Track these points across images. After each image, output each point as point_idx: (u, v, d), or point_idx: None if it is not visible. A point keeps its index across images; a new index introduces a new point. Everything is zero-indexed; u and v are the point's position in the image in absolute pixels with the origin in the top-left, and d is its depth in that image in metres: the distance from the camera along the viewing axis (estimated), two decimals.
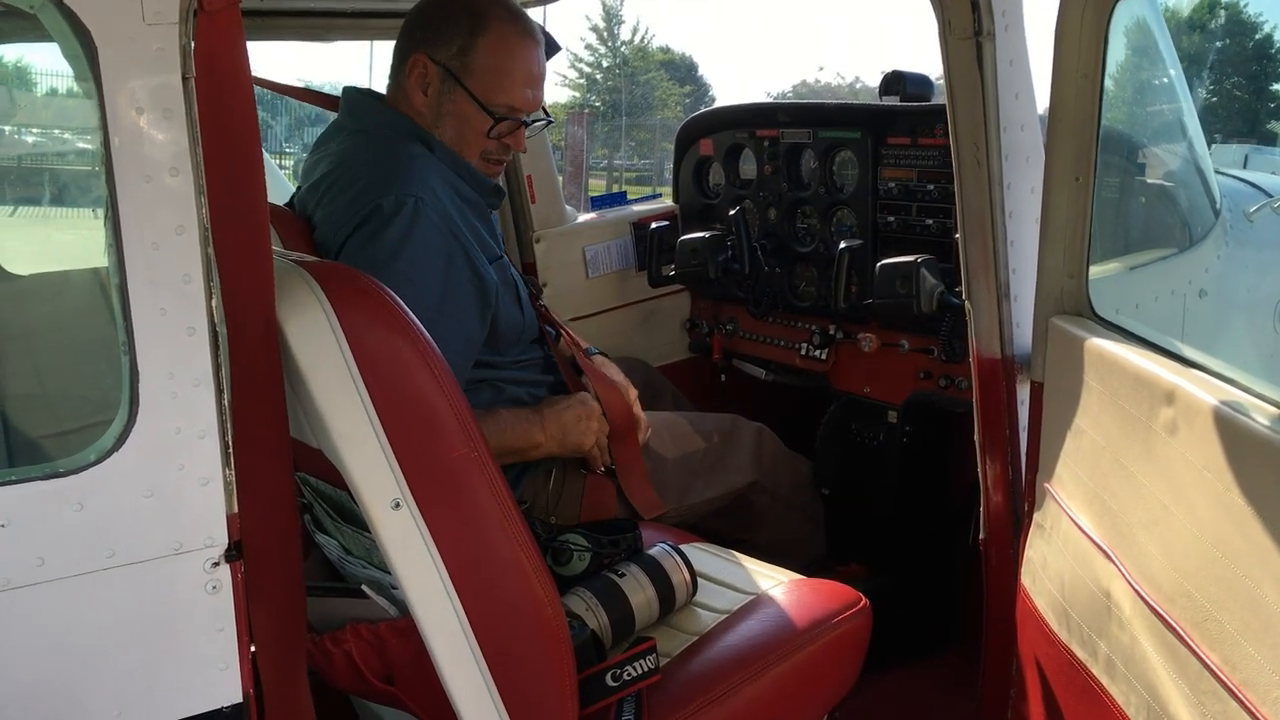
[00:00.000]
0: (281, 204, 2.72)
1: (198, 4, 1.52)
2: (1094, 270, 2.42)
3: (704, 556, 2.65)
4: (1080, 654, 2.08)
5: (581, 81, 50.41)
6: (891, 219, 3.27)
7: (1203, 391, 1.70)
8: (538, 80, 2.67)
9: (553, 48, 3.53)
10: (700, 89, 49.89)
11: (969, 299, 2.42)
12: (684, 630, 2.37)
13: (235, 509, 1.58)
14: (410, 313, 1.85)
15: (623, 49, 49.48)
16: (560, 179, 4.04)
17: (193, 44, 1.47)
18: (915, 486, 3.33)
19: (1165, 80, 2.56)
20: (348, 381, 1.74)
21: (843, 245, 3.24)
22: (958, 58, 2.26)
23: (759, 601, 2.44)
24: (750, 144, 3.69)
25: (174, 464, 1.53)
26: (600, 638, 2.24)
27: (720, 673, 2.26)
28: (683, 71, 51.01)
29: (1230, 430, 1.60)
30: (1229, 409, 1.62)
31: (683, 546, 2.54)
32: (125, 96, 1.43)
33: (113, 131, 1.43)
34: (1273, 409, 1.58)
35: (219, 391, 1.55)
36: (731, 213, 3.52)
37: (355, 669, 2.05)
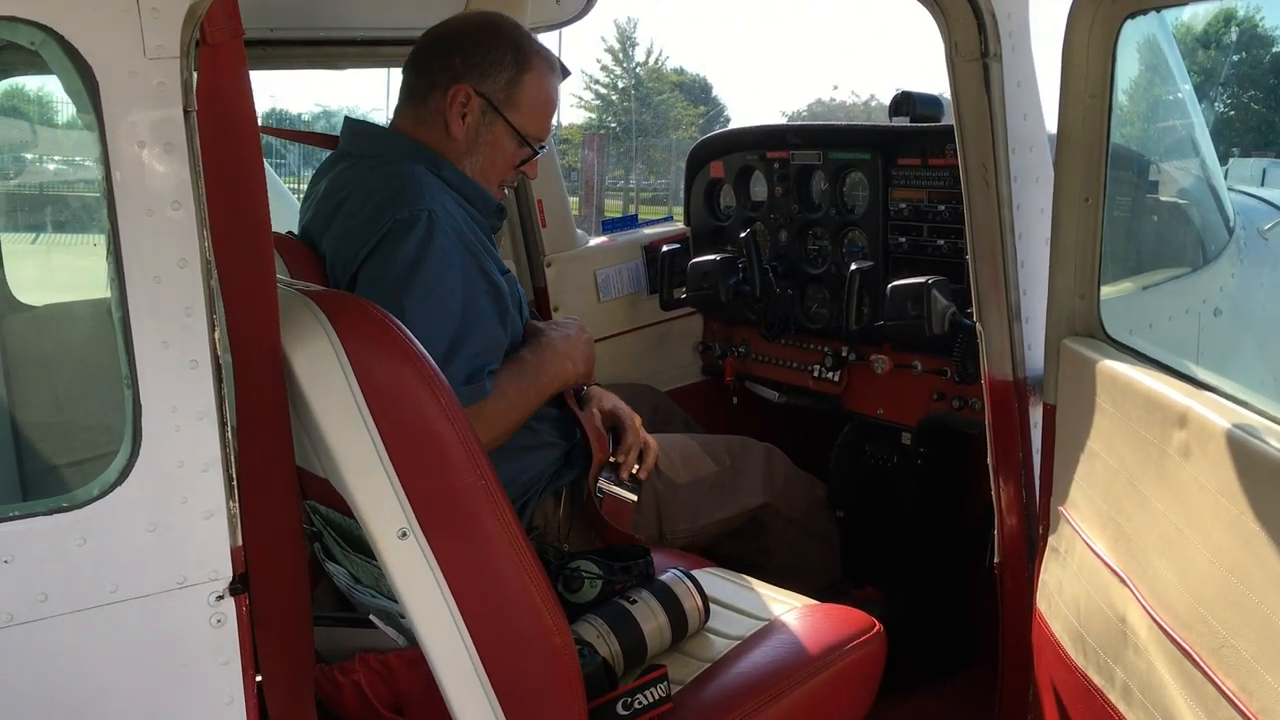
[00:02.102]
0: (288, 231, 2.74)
1: (200, 36, 1.52)
2: (1106, 290, 2.40)
3: (716, 581, 2.63)
4: (1097, 680, 2.05)
5: (597, 103, 50.73)
6: (903, 240, 3.25)
7: (1215, 414, 1.68)
8: (556, 111, 2.79)
9: (563, 72, 3.54)
10: (715, 109, 50.11)
11: (980, 321, 2.41)
12: (696, 657, 2.35)
13: (239, 542, 1.58)
14: (417, 342, 1.85)
15: (637, 70, 49.77)
16: (576, 200, 4.05)
17: (195, 76, 1.47)
18: (930, 509, 3.30)
19: (1176, 98, 2.55)
20: (354, 411, 1.74)
21: (853, 267, 3.23)
22: (965, 79, 2.25)
23: (772, 627, 2.42)
24: (761, 166, 3.68)
25: (177, 497, 1.52)
26: (612, 665, 2.22)
27: (733, 700, 2.24)
28: (697, 92, 51.26)
29: (1243, 453, 1.58)
30: (1242, 432, 1.60)
31: (695, 571, 2.53)
32: (127, 130, 1.44)
33: (114, 165, 1.44)
34: None
35: (222, 424, 1.55)
36: (742, 235, 3.50)
37: (364, 699, 2.04)
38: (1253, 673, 1.56)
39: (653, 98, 48.61)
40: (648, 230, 3.97)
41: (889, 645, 2.47)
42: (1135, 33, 2.35)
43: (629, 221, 4.05)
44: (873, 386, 3.38)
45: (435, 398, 1.81)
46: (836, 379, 3.45)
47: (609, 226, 4.01)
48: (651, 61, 50.76)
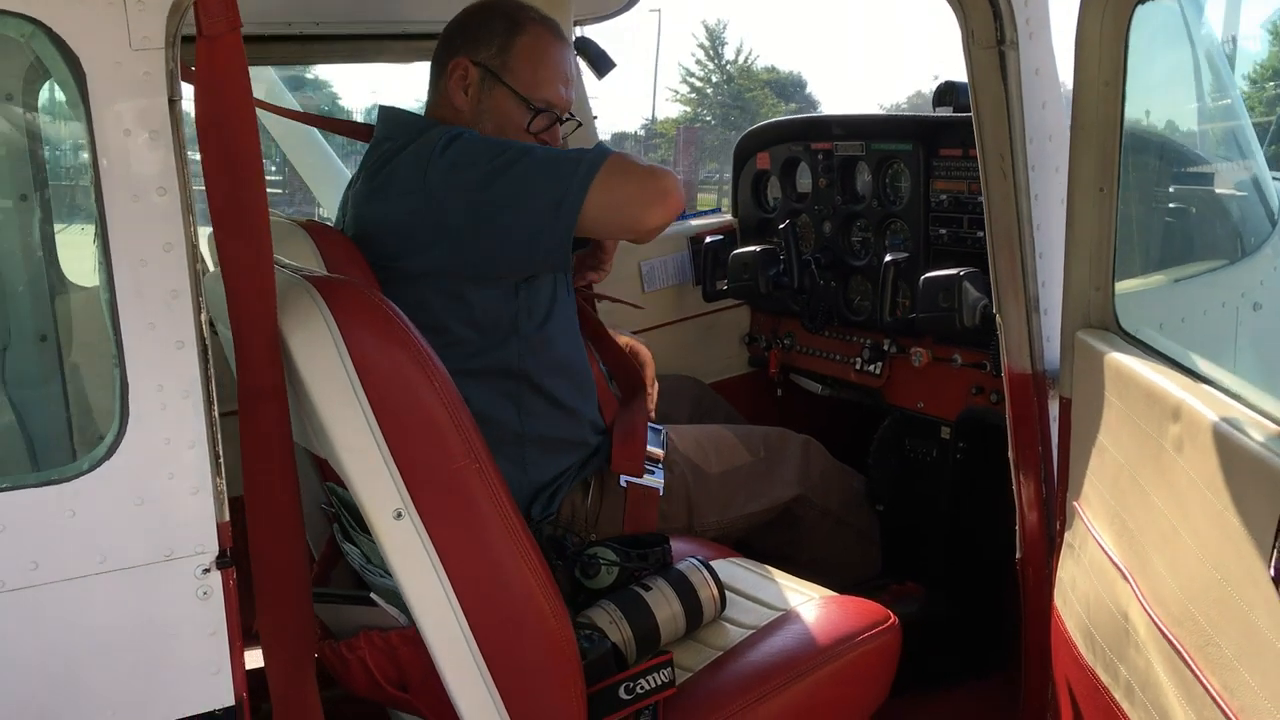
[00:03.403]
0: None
1: (198, 29, 1.58)
2: (1136, 283, 2.35)
3: (737, 571, 2.64)
4: (1104, 678, 2.02)
5: (693, 96, 50.84)
6: (943, 231, 3.21)
7: (1206, 407, 1.64)
8: (570, 80, 2.78)
9: (606, 64, 3.56)
10: (806, 105, 49.87)
11: (999, 312, 2.38)
12: (710, 645, 2.36)
13: (226, 517, 1.64)
14: (413, 327, 1.89)
15: (728, 67, 49.91)
16: None
17: (179, 68, 1.53)
18: (969, 504, 3.26)
19: (1212, 84, 2.48)
20: (349, 393, 1.79)
21: (888, 258, 3.20)
22: (981, 67, 2.23)
23: (786, 618, 2.42)
24: (806, 157, 3.66)
25: (164, 473, 1.58)
26: (622, 651, 2.24)
27: (739, 688, 2.24)
28: (789, 89, 51.15)
29: (1227, 447, 1.55)
30: (1228, 425, 1.56)
31: (717, 561, 2.54)
32: (113, 119, 1.50)
33: (101, 153, 1.50)
34: (1272, 426, 1.52)
35: (208, 403, 1.60)
36: (780, 226, 3.50)
37: (370, 675, 2.08)
38: (1234, 671, 1.52)
39: (744, 94, 48.60)
40: (694, 221, 3.97)
41: (928, 641, 2.44)
42: (1163, 18, 2.31)
43: None
44: (913, 380, 3.35)
45: (430, 382, 1.85)
46: (877, 372, 3.42)
47: None
48: (741, 60, 51.01)
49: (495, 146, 2.48)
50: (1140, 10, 1.97)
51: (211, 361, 1.60)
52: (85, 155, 1.49)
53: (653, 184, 2.50)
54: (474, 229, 2.45)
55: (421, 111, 2.81)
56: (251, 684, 1.78)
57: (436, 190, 2.46)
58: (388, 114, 2.78)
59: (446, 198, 2.46)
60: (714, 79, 50.43)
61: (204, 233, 1.76)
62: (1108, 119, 2.05)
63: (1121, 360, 1.97)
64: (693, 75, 50.33)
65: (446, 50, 2.71)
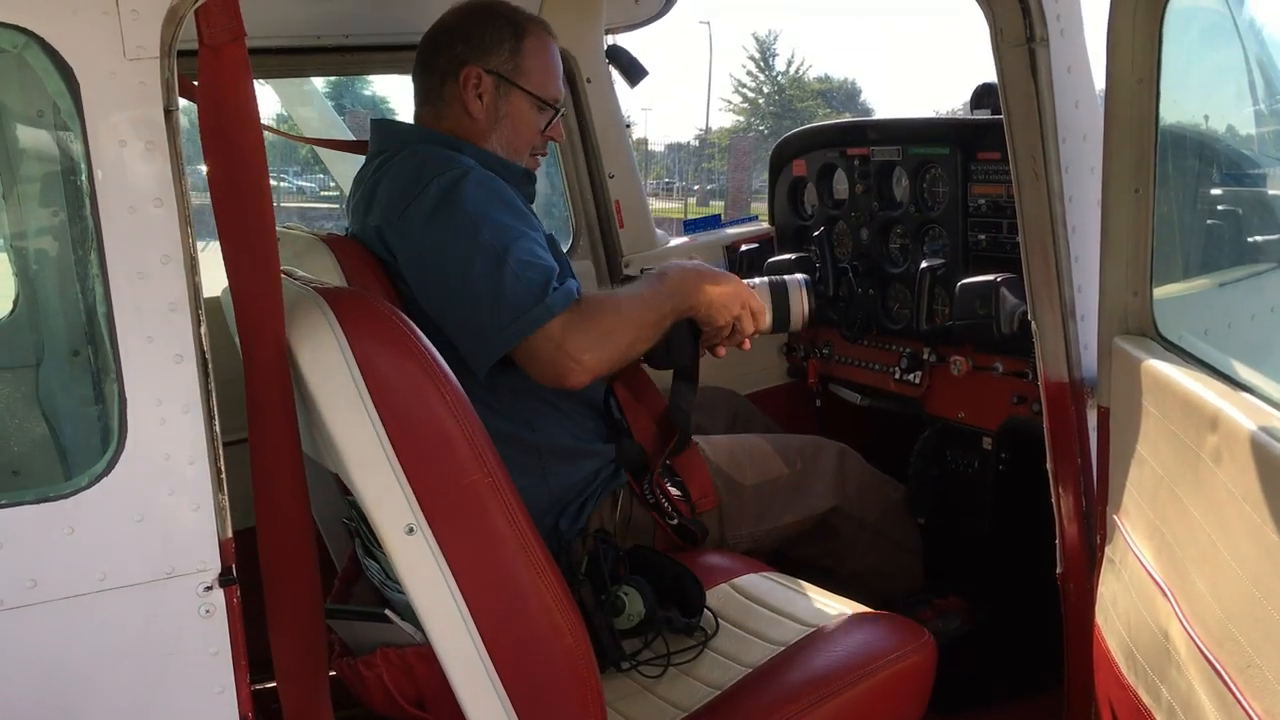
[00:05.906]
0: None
1: (200, 39, 1.56)
2: (1179, 288, 2.27)
3: (768, 585, 2.58)
4: (1146, 699, 1.94)
5: (745, 106, 50.91)
6: (982, 237, 3.13)
7: (1244, 417, 1.56)
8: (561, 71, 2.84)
9: (639, 73, 3.52)
10: (859, 114, 49.87)
11: (1034, 319, 2.30)
12: (739, 662, 2.31)
13: (229, 534, 1.61)
14: (424, 338, 1.86)
15: (779, 78, 49.99)
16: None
17: (175, 78, 1.51)
18: (1013, 517, 3.17)
19: (1260, 81, 2.38)
20: (359, 406, 1.75)
21: (923, 265, 3.12)
22: (1011, 66, 2.16)
23: (818, 634, 2.36)
24: (842, 163, 3.59)
25: (164, 489, 1.56)
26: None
27: (768, 707, 2.19)
28: (841, 98, 51.10)
29: (1266, 459, 1.47)
30: (1267, 435, 1.48)
31: (749, 575, 2.49)
32: (108, 130, 1.48)
33: (96, 164, 1.48)
34: None
35: (209, 418, 1.57)
36: (815, 234, 3.43)
37: (387, 693, 2.06)
38: (1276, 695, 1.44)
39: (795, 104, 48.58)
40: (730, 230, 3.92)
41: (971, 658, 2.36)
42: (1204, 12, 2.23)
43: (712, 221, 4.00)
44: (953, 389, 3.27)
45: (441, 394, 1.82)
46: (917, 381, 3.34)
47: (690, 227, 3.97)
48: (792, 70, 51.14)
49: (477, 225, 2.41)
50: (1177, 4, 1.90)
51: (212, 376, 1.57)
52: (81, 166, 1.47)
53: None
54: (423, 290, 2.46)
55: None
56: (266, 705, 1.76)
57: (408, 228, 2.47)
58: (381, 126, 2.80)
59: (410, 242, 2.47)
60: (765, 89, 50.48)
61: (214, 247, 1.74)
62: (1142, 118, 1.98)
63: (1159, 368, 1.89)
64: (744, 86, 50.43)
65: (450, 61, 2.69)
